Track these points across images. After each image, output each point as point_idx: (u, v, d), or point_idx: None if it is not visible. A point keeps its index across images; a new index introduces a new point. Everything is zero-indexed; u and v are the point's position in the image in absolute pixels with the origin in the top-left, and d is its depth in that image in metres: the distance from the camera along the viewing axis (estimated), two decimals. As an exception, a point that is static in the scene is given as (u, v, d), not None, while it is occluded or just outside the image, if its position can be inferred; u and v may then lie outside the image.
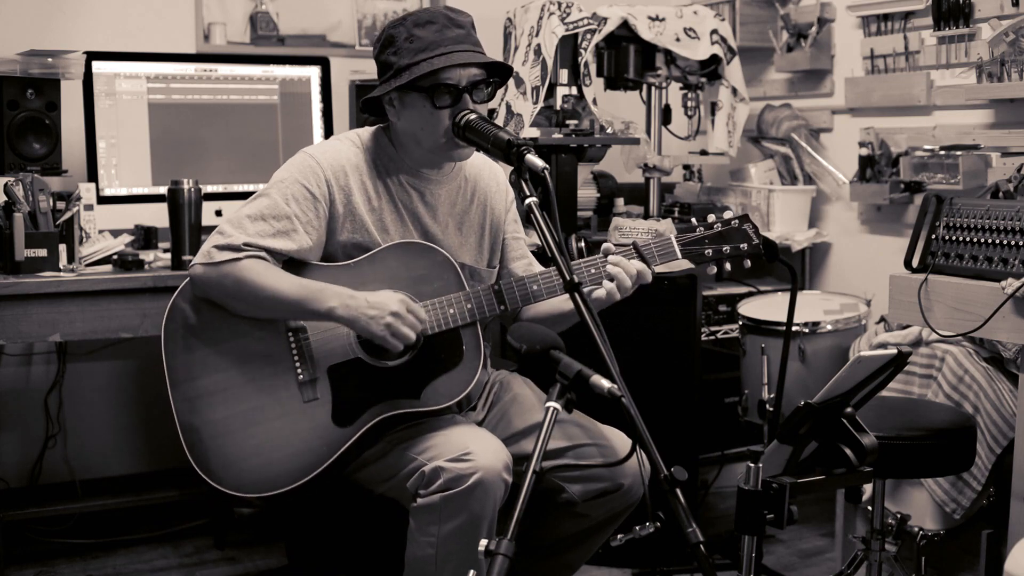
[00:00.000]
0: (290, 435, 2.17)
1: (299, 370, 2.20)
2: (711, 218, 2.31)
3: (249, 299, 2.16)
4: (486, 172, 2.43)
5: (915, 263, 2.84)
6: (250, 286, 2.14)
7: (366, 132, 2.34)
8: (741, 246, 2.30)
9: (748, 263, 2.31)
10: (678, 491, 1.77)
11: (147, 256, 2.96)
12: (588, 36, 3.44)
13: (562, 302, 2.33)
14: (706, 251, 2.29)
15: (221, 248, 2.15)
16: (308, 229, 2.20)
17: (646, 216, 3.70)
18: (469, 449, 2.09)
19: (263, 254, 2.16)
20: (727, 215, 2.32)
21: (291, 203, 2.19)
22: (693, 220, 2.31)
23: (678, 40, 3.58)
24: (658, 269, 2.29)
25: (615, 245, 2.26)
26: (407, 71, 2.17)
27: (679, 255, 2.28)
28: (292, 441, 2.17)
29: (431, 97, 2.17)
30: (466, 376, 2.22)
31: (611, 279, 2.21)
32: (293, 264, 2.22)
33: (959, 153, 3.25)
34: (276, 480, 2.16)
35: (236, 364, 2.20)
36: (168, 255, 2.95)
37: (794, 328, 3.01)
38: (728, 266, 2.30)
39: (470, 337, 2.24)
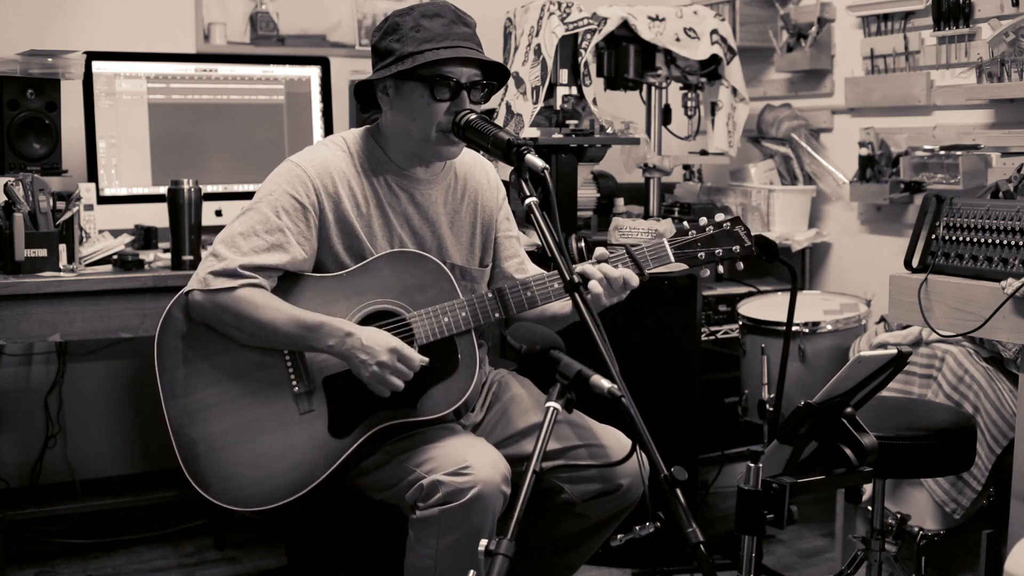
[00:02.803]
0: (287, 448, 2.16)
1: (294, 382, 2.19)
2: (703, 221, 2.32)
3: (247, 331, 2.15)
4: (477, 170, 2.42)
5: (915, 263, 2.84)
6: (248, 320, 2.13)
7: (352, 135, 2.32)
8: (733, 248, 2.31)
9: (741, 265, 2.32)
10: (678, 491, 1.77)
11: (147, 256, 2.96)
12: (588, 36, 3.44)
13: (556, 306, 2.33)
14: (699, 254, 2.29)
15: (217, 274, 2.13)
16: (300, 240, 2.18)
17: (646, 216, 3.70)
18: (468, 462, 2.08)
19: (259, 280, 2.14)
20: (719, 218, 2.32)
21: (282, 215, 2.17)
22: (685, 223, 2.32)
23: (678, 40, 3.58)
24: (655, 270, 2.29)
25: (609, 248, 2.27)
26: (410, 58, 2.15)
27: (672, 259, 2.29)
28: (289, 454, 2.15)
29: (431, 88, 2.16)
30: (462, 384, 2.22)
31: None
32: (288, 277, 2.20)
33: (959, 153, 3.25)
34: (273, 493, 2.14)
35: (231, 377, 2.18)
36: (168, 255, 2.95)
37: (794, 328, 3.01)
38: (721, 268, 2.32)
39: (465, 345, 2.23)
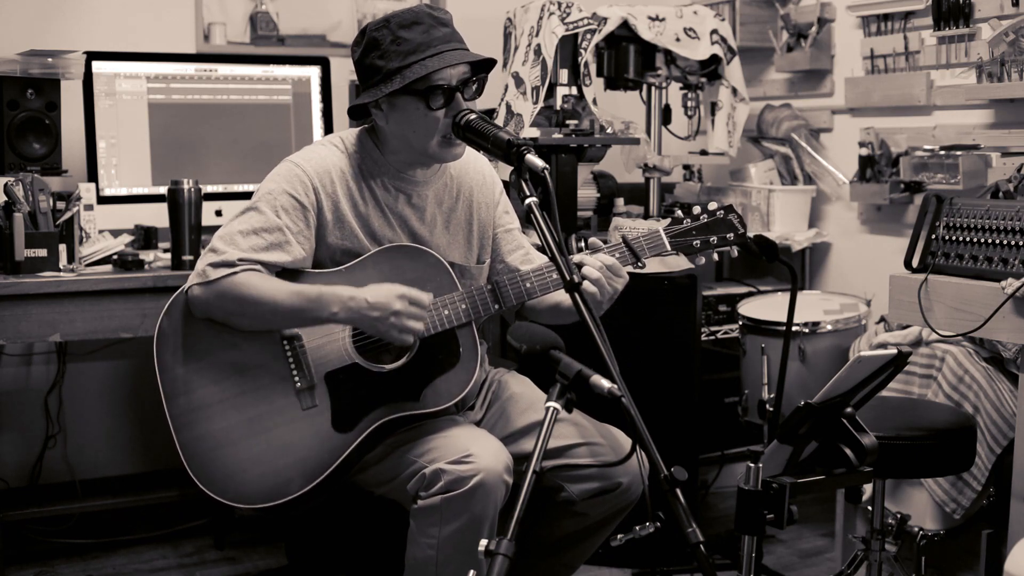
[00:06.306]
0: (290, 444, 2.16)
1: (296, 378, 2.19)
2: (696, 210, 2.33)
3: (250, 313, 2.15)
4: (471, 167, 2.42)
5: (915, 263, 2.84)
6: (250, 300, 2.12)
7: (350, 135, 2.32)
8: (727, 236, 2.32)
9: (735, 252, 2.33)
10: (678, 491, 1.77)
11: (147, 256, 2.96)
12: (588, 36, 3.44)
13: (562, 295, 2.33)
14: (694, 242, 2.30)
15: (216, 266, 2.13)
16: (300, 239, 2.19)
17: (646, 216, 3.70)
18: (470, 451, 2.08)
19: (258, 267, 2.15)
20: (712, 206, 2.33)
21: (281, 215, 2.17)
22: (680, 212, 2.32)
23: (678, 40, 3.58)
24: (655, 267, 2.30)
25: (605, 242, 2.27)
26: (398, 75, 2.15)
27: (668, 247, 2.29)
28: (293, 449, 2.15)
29: (425, 99, 2.16)
30: (464, 376, 2.22)
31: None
32: (286, 274, 2.20)
33: (959, 153, 3.25)
34: (278, 489, 2.14)
35: (232, 375, 2.18)
36: (168, 255, 2.95)
37: (794, 328, 3.01)
38: (716, 256, 2.32)
39: (466, 337, 2.24)
